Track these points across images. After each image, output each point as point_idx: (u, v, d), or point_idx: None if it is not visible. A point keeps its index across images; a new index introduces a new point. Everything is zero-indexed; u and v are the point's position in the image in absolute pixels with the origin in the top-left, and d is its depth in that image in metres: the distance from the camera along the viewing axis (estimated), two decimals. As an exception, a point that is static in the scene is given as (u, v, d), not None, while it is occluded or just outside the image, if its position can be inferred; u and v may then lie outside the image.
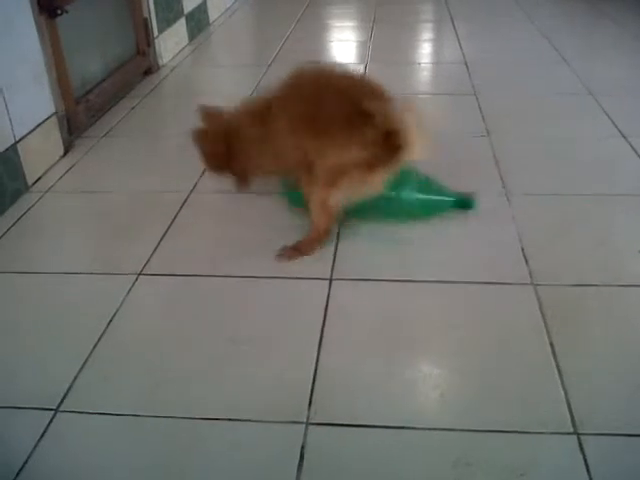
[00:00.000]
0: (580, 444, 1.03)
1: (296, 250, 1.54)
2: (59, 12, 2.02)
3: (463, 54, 3.03)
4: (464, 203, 1.66)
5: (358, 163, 1.40)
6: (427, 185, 1.64)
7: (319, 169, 1.45)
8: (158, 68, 2.93)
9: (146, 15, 2.82)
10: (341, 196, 1.47)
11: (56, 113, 2.06)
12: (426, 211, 1.65)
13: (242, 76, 2.90)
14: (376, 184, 1.45)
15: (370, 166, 1.41)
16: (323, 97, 1.43)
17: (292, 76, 1.52)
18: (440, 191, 1.65)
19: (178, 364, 1.24)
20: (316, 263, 1.51)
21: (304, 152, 1.46)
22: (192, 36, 3.39)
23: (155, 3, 2.89)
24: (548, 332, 1.27)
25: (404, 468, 1.02)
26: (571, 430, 1.06)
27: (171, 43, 3.11)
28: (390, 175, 1.46)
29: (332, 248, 1.56)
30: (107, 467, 1.04)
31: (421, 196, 1.62)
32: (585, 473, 0.99)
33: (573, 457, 1.02)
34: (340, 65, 1.66)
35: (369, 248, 1.58)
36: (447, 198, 1.65)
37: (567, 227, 1.63)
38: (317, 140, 1.43)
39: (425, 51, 3.31)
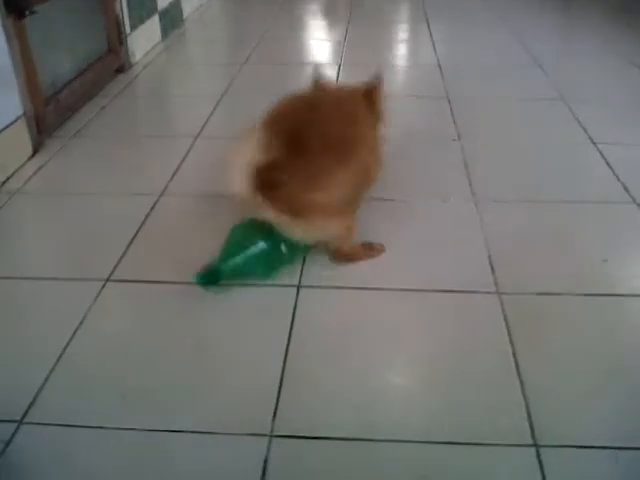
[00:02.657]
0: (539, 456, 1.05)
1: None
2: (27, 13, 1.99)
3: (437, 56, 3.05)
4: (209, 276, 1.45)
5: None
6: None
7: None
8: (130, 66, 2.90)
9: (118, 12, 2.79)
10: None
11: (25, 113, 2.04)
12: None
13: (216, 75, 2.88)
14: None
15: None
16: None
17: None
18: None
19: (145, 374, 1.23)
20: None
21: None
22: (165, 33, 3.36)
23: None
24: (511, 342, 1.29)
25: (366, 480, 1.03)
26: (530, 442, 1.08)
27: (143, 40, 3.08)
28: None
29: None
30: (70, 480, 1.04)
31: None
32: (543, 485, 1.01)
33: (531, 470, 1.03)
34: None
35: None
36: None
37: (534, 235, 1.65)
38: None
39: (399, 52, 3.32)
